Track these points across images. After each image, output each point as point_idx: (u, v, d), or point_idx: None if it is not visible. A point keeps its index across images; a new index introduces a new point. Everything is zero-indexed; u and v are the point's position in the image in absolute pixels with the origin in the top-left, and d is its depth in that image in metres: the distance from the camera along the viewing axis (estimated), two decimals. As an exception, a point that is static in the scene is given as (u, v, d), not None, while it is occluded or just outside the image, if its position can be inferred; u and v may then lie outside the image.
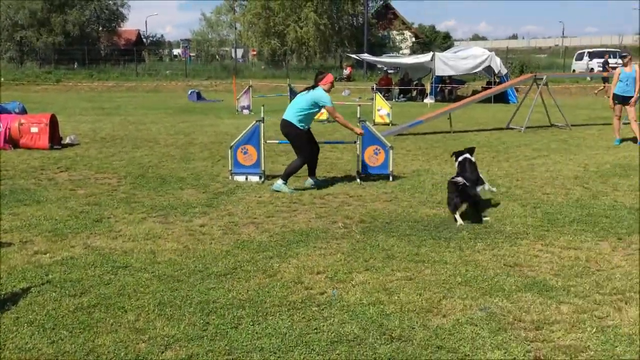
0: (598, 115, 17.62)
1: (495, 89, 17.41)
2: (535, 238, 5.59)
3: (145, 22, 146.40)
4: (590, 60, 35.67)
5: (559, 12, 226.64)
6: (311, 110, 7.60)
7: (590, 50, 39.62)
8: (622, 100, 11.40)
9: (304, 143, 7.66)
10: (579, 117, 16.81)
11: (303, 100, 7.55)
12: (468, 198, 6.05)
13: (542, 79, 14.69)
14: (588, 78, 29.58)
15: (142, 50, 52.35)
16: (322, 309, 3.98)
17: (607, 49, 39.68)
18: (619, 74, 11.43)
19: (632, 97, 11.26)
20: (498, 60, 23.93)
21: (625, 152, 10.60)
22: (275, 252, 5.18)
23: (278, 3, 42.38)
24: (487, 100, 21.02)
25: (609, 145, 11.42)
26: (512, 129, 14.27)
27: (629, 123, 11.69)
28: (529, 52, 68.03)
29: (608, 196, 7.23)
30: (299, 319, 3.83)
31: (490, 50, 26.62)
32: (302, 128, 7.57)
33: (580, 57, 38.06)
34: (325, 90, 7.53)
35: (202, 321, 3.78)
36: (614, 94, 11.56)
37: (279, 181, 7.53)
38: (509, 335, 3.61)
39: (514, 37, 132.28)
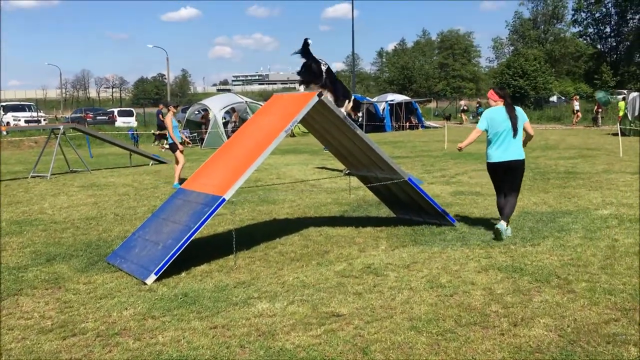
0: None
1: None
2: None
3: None
4: (5, 114, 34.76)
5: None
6: None
7: (4, 103, 38.81)
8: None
9: None
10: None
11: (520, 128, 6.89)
12: None
13: None
14: (4, 133, 28.66)
15: None
16: None
17: (23, 103, 39.77)
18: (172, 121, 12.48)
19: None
20: None
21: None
22: None
23: None
24: None
25: None
26: None
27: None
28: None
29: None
30: None
31: None
32: None
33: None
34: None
35: None
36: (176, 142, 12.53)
37: (509, 229, 7.02)
38: None
39: None
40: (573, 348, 3.95)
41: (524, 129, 6.96)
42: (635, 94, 25.03)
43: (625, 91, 35.62)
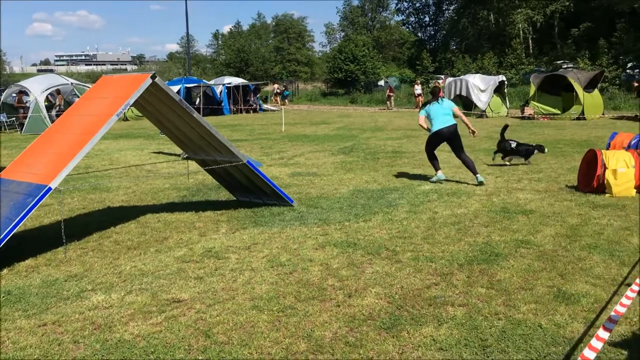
0: None
1: None
2: None
3: None
4: None
5: None
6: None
7: None
8: None
9: None
10: None
11: (447, 108, 9.42)
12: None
13: None
14: None
15: None
16: None
17: None
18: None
19: None
20: None
21: None
22: None
23: None
24: None
25: None
26: None
27: None
28: None
29: None
30: None
31: None
32: None
33: None
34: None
35: None
36: None
37: (480, 176, 9.27)
38: None
39: None
40: (400, 313, 4.31)
41: (455, 115, 9.38)
42: (450, 79, 27.45)
43: (442, 76, 38.99)
